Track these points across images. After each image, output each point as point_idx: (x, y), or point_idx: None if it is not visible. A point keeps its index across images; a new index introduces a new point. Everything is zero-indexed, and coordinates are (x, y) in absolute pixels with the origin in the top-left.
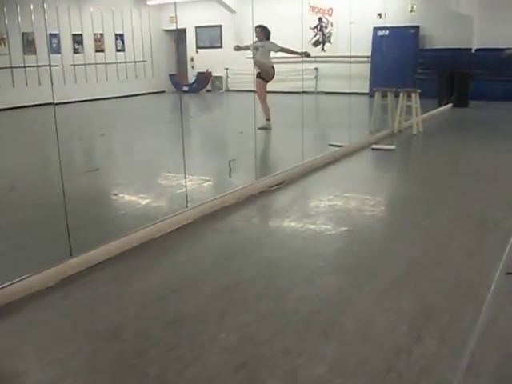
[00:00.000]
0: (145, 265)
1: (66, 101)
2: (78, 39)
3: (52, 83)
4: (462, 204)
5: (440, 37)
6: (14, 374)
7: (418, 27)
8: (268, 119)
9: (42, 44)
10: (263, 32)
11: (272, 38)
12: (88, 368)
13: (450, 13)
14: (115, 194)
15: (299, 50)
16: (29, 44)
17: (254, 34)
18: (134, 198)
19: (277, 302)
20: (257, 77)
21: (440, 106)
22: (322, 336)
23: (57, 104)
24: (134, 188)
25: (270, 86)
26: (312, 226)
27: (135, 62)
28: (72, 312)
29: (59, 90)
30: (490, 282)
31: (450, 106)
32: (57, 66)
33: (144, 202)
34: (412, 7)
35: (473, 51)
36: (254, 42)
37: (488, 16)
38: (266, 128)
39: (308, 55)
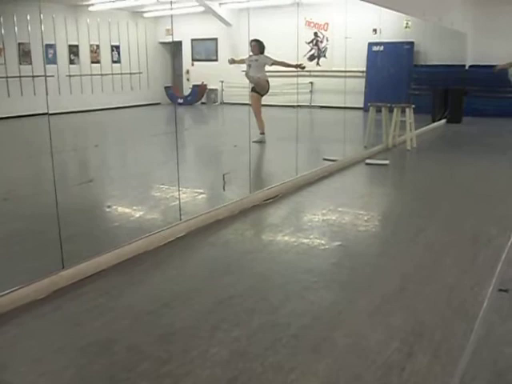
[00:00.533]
0: (137, 278)
1: (60, 111)
2: (74, 50)
3: (47, 93)
4: (455, 219)
5: (434, 53)
6: None
7: (412, 43)
8: (262, 133)
9: (37, 54)
10: (258, 46)
11: (267, 52)
12: (79, 381)
13: (444, 29)
14: (109, 206)
15: (294, 63)
16: (25, 54)
17: (249, 48)
18: (127, 210)
19: (269, 317)
20: (252, 91)
21: (434, 121)
22: (313, 351)
23: (51, 114)
24: (128, 200)
25: (265, 100)
26: (305, 241)
27: (131, 73)
28: (63, 324)
29: (54, 100)
30: (482, 299)
31: (443, 121)
32: (52, 76)
33: (137, 215)
34: (407, 23)
35: (466, 68)
36: (249, 56)
37: (482, 33)
38: (261, 141)
39: (303, 67)
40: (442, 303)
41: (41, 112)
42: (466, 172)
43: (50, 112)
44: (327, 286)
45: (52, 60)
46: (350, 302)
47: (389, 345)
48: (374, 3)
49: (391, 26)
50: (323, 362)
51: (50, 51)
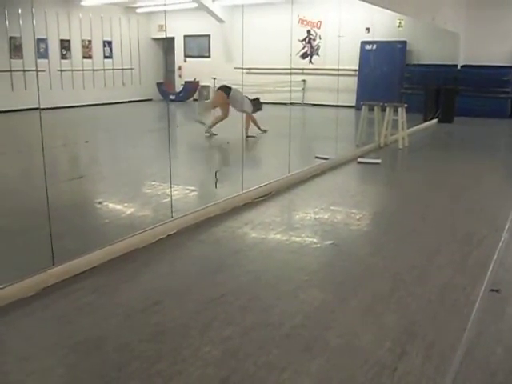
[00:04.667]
0: (128, 275)
1: (51, 106)
2: (65, 45)
3: (38, 88)
4: (447, 219)
5: (427, 52)
6: None
7: (405, 42)
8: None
9: (29, 49)
10: None
11: (260, 50)
12: (68, 380)
13: (437, 29)
14: (100, 203)
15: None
16: (16, 48)
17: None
18: (118, 207)
19: (261, 316)
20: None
21: (425, 121)
22: (306, 351)
23: (42, 109)
24: (119, 197)
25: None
26: (297, 239)
27: (123, 69)
28: (53, 322)
29: (45, 95)
30: (474, 299)
31: (435, 121)
32: (44, 71)
33: (129, 211)
34: (400, 22)
35: (459, 68)
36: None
37: (474, 34)
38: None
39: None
40: (434, 303)
41: (32, 107)
42: (457, 172)
43: (41, 107)
44: (319, 285)
45: (43, 54)
46: (341, 302)
47: (381, 345)
48: (367, 2)
49: (384, 25)
50: (315, 361)
51: (42, 46)
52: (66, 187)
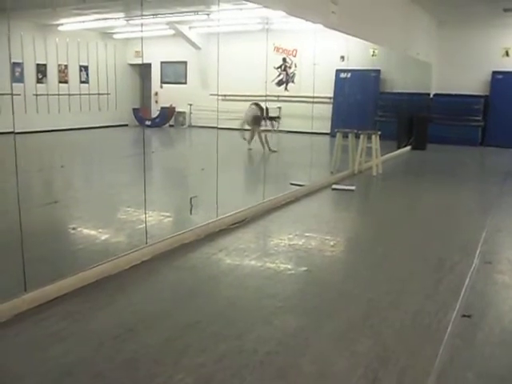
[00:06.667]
0: (101, 302)
1: (26, 130)
2: (41, 69)
3: (13, 112)
4: (419, 245)
5: (400, 81)
6: None
7: (379, 71)
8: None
9: (4, 72)
10: None
11: (236, 76)
12: None
13: (410, 59)
14: (74, 228)
15: None
16: None
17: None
18: (92, 233)
19: (235, 343)
20: None
21: (399, 148)
22: (280, 378)
23: (17, 133)
24: (93, 222)
25: (233, 124)
26: (272, 266)
27: (99, 94)
28: (24, 349)
29: (20, 119)
30: (446, 324)
31: (408, 148)
32: (19, 95)
33: (103, 237)
34: (374, 51)
35: (431, 96)
36: None
37: (446, 64)
38: None
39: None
40: (406, 329)
41: (6, 131)
42: (430, 199)
43: (16, 131)
44: (293, 311)
45: (19, 78)
46: (315, 328)
47: (354, 371)
48: (342, 32)
49: (359, 54)
50: None
51: (17, 69)
52: (40, 212)
